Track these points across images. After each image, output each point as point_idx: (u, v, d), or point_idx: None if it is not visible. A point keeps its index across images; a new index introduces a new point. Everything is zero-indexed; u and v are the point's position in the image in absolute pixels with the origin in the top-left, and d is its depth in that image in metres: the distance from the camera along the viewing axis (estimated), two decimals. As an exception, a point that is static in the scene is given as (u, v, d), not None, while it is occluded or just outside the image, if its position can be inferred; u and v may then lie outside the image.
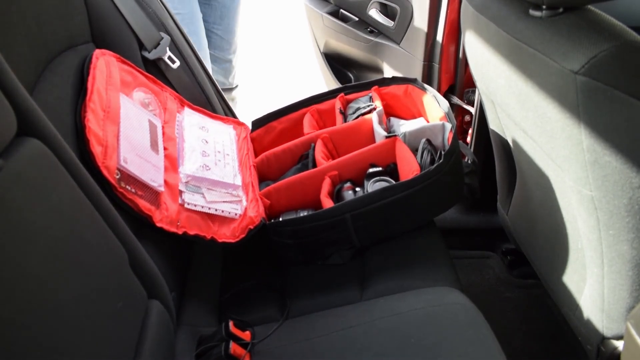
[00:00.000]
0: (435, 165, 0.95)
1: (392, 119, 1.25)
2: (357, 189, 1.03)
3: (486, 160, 1.36)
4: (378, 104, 1.20)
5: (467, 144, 1.53)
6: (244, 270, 1.08)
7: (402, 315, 0.85)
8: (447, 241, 1.07)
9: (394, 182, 1.00)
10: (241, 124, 1.27)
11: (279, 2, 3.93)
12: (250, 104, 2.40)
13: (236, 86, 2.28)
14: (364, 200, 0.94)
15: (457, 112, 1.55)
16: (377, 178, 1.01)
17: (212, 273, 1.07)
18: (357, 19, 1.81)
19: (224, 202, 1.00)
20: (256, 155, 1.22)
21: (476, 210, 1.59)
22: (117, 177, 0.82)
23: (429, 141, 1.07)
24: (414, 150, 1.06)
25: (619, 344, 0.86)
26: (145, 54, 1.10)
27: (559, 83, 0.71)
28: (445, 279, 0.96)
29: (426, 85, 1.17)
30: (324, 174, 1.05)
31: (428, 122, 1.16)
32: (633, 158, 0.69)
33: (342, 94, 1.27)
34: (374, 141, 1.13)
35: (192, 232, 0.91)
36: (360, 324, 0.86)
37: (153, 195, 0.88)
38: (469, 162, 1.26)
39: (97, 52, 0.95)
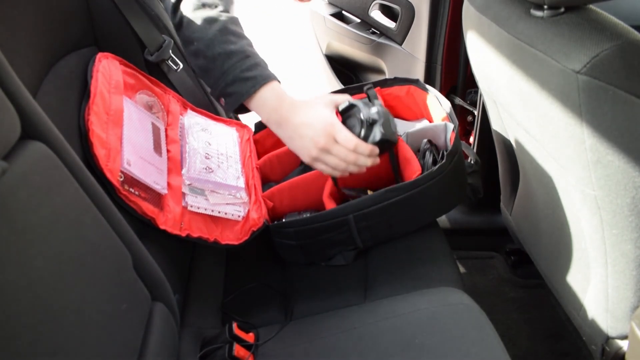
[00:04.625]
0: (437, 165, 0.95)
1: (395, 119, 1.25)
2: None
3: (489, 161, 1.36)
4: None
5: (469, 144, 1.53)
6: (247, 272, 1.08)
7: (406, 316, 0.85)
8: (451, 241, 1.07)
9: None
10: (244, 126, 1.28)
11: (280, 3, 3.93)
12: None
13: None
14: (367, 201, 0.94)
15: (460, 112, 1.55)
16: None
17: (215, 275, 1.07)
18: (359, 20, 1.82)
19: (227, 204, 1.00)
20: (259, 157, 1.22)
21: (479, 210, 1.59)
22: (121, 179, 0.82)
23: (430, 142, 1.07)
24: (416, 151, 1.06)
25: (624, 344, 0.86)
26: (148, 56, 1.11)
27: (561, 83, 0.71)
28: (448, 280, 0.96)
29: (428, 86, 1.17)
30: (326, 175, 1.05)
31: (431, 122, 1.16)
32: (635, 157, 0.69)
33: (344, 95, 1.27)
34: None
35: (195, 235, 0.92)
36: (363, 325, 0.86)
37: (156, 197, 0.89)
38: (472, 162, 1.26)
39: (100, 55, 0.96)
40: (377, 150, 0.90)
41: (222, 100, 0.91)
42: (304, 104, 0.91)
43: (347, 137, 0.87)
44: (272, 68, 0.93)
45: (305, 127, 0.89)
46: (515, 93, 0.85)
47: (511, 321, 1.42)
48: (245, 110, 0.92)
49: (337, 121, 0.89)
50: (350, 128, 0.89)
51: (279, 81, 0.91)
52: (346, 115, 0.92)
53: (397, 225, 0.99)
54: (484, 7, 0.91)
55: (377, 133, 0.88)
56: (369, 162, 0.90)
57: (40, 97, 0.77)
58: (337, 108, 0.92)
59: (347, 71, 1.98)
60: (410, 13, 1.52)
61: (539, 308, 1.44)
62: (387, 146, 0.91)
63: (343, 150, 0.88)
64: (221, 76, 0.89)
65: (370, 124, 0.88)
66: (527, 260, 1.21)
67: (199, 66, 0.92)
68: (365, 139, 0.88)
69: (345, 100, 0.92)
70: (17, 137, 0.54)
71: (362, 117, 0.88)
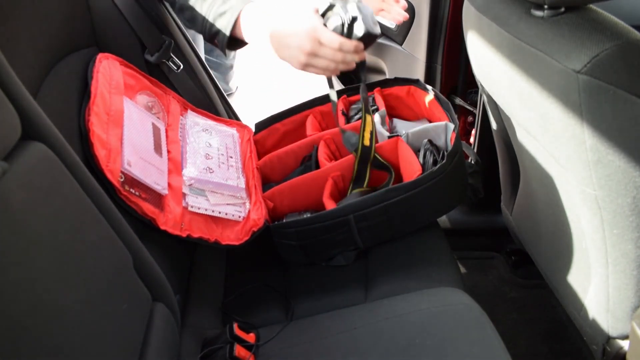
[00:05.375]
0: (438, 165, 0.95)
1: (395, 120, 1.25)
2: None
3: (489, 161, 1.36)
4: (380, 104, 1.20)
5: (470, 144, 1.53)
6: (248, 273, 1.08)
7: (406, 316, 0.85)
8: (451, 242, 1.07)
9: None
10: (244, 127, 1.28)
11: (280, 4, 3.93)
12: (254, 107, 2.41)
13: (236, 88, 2.29)
14: (367, 201, 0.94)
15: (460, 113, 1.55)
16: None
17: (216, 275, 1.07)
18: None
19: (227, 204, 1.00)
20: (259, 157, 1.22)
21: (480, 210, 1.59)
22: (121, 180, 0.82)
23: (430, 142, 1.07)
24: (416, 151, 1.06)
25: (625, 344, 0.86)
26: (148, 57, 1.11)
27: (561, 82, 0.70)
28: (449, 280, 0.96)
29: (428, 86, 1.17)
30: (327, 175, 1.05)
31: (431, 122, 1.16)
32: (636, 157, 0.69)
33: (344, 96, 1.27)
34: (376, 142, 1.13)
35: (195, 235, 0.92)
36: (364, 325, 0.86)
37: (157, 198, 0.89)
38: (472, 162, 1.26)
39: (101, 55, 0.96)
40: (362, 45, 0.92)
41: (216, 41, 0.97)
42: (283, 16, 0.93)
43: (331, 38, 0.89)
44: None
45: (290, 36, 0.91)
46: (516, 93, 0.85)
47: (511, 321, 1.41)
48: (242, 43, 0.97)
49: (319, 24, 0.91)
50: (332, 28, 0.91)
51: (254, 3, 0.95)
52: (327, 16, 0.93)
53: (398, 225, 0.99)
54: (484, 7, 0.91)
55: (359, 29, 0.90)
56: (356, 57, 0.93)
57: (40, 97, 0.78)
58: (317, 11, 0.94)
59: (347, 71, 1.97)
60: (411, 13, 1.52)
61: (539, 308, 1.44)
62: (371, 39, 0.94)
63: (330, 51, 0.90)
64: (204, 20, 0.95)
65: (351, 21, 0.90)
66: (527, 261, 1.21)
67: (186, 19, 0.99)
68: (349, 36, 0.90)
69: (323, 2, 0.94)
70: (18, 137, 0.54)
71: (342, 16, 0.91)
